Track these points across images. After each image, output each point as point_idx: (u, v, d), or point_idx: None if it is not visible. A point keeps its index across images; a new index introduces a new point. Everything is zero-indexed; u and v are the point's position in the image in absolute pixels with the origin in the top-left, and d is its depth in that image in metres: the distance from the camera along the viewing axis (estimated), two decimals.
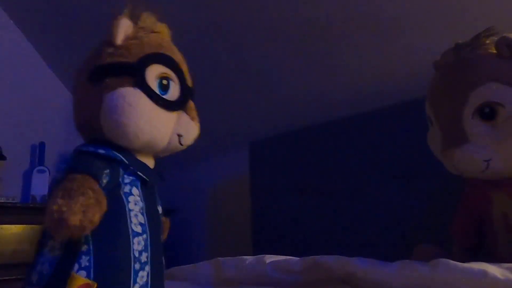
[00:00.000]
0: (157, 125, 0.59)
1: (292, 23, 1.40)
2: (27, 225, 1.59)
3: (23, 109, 1.93)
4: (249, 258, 0.85)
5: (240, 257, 0.87)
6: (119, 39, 0.60)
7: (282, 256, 0.85)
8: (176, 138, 0.62)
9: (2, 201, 1.65)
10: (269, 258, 0.83)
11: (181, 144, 0.63)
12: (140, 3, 0.64)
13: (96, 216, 0.50)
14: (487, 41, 0.80)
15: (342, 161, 1.38)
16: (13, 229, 1.56)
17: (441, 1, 1.16)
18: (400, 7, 1.21)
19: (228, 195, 1.88)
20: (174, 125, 0.61)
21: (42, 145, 1.91)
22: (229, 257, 0.88)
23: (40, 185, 1.85)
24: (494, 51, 0.78)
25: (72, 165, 0.55)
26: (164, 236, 0.66)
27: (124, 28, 0.61)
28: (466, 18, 1.14)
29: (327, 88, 1.49)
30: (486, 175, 0.78)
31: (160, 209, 0.65)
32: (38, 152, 1.91)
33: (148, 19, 0.64)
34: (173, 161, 2.01)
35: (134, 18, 0.63)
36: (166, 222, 0.68)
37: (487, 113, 0.75)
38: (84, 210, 0.49)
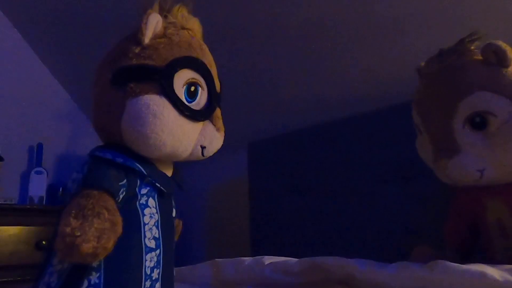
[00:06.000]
0: (180, 137, 0.56)
1: (291, 24, 1.39)
2: (24, 227, 1.58)
3: (21, 110, 1.92)
4: (247, 259, 0.85)
5: (239, 258, 0.86)
6: (148, 37, 0.56)
7: (280, 257, 0.84)
8: (199, 149, 0.58)
9: (0, 202, 1.65)
10: (268, 259, 0.83)
11: (203, 155, 0.59)
12: None
13: (110, 242, 0.47)
14: (472, 47, 0.79)
15: (341, 162, 1.38)
16: (11, 231, 1.55)
17: (441, 2, 1.16)
18: (400, 9, 1.21)
19: (226, 196, 1.88)
20: (198, 136, 0.58)
21: (39, 147, 1.90)
22: (228, 259, 0.87)
23: (38, 186, 1.84)
24: (480, 58, 0.77)
25: (87, 177, 0.52)
26: (176, 237, 0.64)
27: (153, 24, 0.56)
28: (465, 19, 1.14)
29: (326, 89, 1.49)
30: (480, 183, 0.77)
31: (174, 212, 0.63)
32: (35, 154, 1.90)
33: (180, 13, 0.60)
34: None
35: (164, 12, 0.59)
36: (179, 224, 0.66)
37: (478, 122, 0.74)
38: (99, 236, 0.46)
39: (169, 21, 0.59)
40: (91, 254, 0.45)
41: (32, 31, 1.98)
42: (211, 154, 0.61)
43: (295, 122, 1.55)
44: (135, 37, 0.56)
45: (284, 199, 1.51)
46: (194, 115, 0.57)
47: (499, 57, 0.75)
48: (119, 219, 0.49)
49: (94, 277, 0.51)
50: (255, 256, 0.88)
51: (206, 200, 1.97)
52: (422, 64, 0.85)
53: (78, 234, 0.45)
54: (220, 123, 0.60)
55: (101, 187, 0.50)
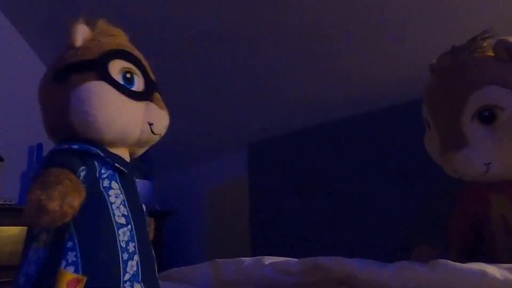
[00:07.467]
0: (126, 114, 0.60)
1: (291, 25, 1.40)
2: (24, 227, 1.58)
3: (21, 111, 1.92)
4: (247, 260, 0.85)
5: (239, 258, 0.86)
6: (78, 41, 0.63)
7: (281, 257, 0.84)
8: (148, 127, 0.62)
9: (0, 202, 1.65)
10: (268, 260, 0.83)
11: (153, 133, 0.63)
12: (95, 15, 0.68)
13: (75, 201, 0.50)
14: (484, 44, 0.80)
15: (341, 162, 1.38)
16: (11, 231, 1.55)
17: (440, 4, 1.17)
18: (401, 10, 1.21)
19: (226, 197, 1.88)
20: (143, 114, 0.62)
21: (39, 147, 1.90)
22: (228, 259, 0.87)
23: None
24: (492, 54, 0.78)
25: (47, 161, 0.55)
26: (151, 236, 0.66)
27: (81, 32, 0.63)
28: (465, 20, 1.14)
29: (326, 89, 1.49)
30: (486, 178, 0.78)
31: (144, 207, 0.65)
32: (35, 154, 1.90)
33: (104, 26, 0.66)
34: (171, 163, 2.01)
35: (90, 25, 0.65)
36: (151, 222, 0.68)
37: (487, 116, 0.75)
38: (63, 197, 0.48)
39: (95, 31, 0.65)
40: (59, 211, 0.48)
41: (32, 31, 1.98)
42: (161, 132, 0.64)
43: (295, 122, 1.55)
44: (69, 44, 0.63)
45: (284, 199, 1.51)
46: (134, 94, 0.61)
47: (510, 53, 0.75)
48: (82, 186, 0.52)
49: (71, 257, 0.53)
50: (255, 256, 0.88)
51: (206, 200, 1.97)
52: (434, 61, 0.86)
53: (43, 197, 0.48)
54: (161, 103, 0.64)
55: (61, 165, 0.53)
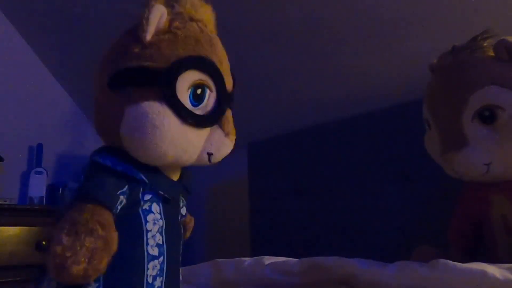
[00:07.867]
0: (184, 146, 0.51)
1: (292, 24, 1.39)
2: (24, 227, 1.58)
3: (21, 110, 1.92)
4: (247, 260, 0.85)
5: (239, 258, 0.86)
6: (149, 34, 0.51)
7: (280, 257, 0.84)
8: (205, 156, 0.54)
9: (0, 202, 1.65)
10: (268, 260, 0.83)
11: (210, 162, 0.55)
12: None
13: (102, 263, 0.45)
14: (485, 44, 0.80)
15: (341, 162, 1.38)
16: (11, 231, 1.55)
17: (440, 4, 1.16)
18: (401, 11, 1.21)
19: (226, 196, 1.88)
20: (204, 143, 0.53)
21: (39, 147, 1.90)
22: (228, 259, 0.87)
23: (38, 186, 1.84)
24: (492, 54, 0.78)
25: (83, 187, 0.49)
26: (187, 234, 0.63)
27: (156, 18, 0.51)
28: (464, 20, 1.14)
29: (326, 89, 1.49)
30: (486, 178, 0.78)
31: (184, 210, 0.61)
32: (35, 154, 1.90)
33: (189, 3, 0.55)
34: None
35: (171, 4, 0.53)
36: (190, 221, 0.64)
37: (487, 116, 0.75)
38: (90, 257, 0.44)
39: (176, 11, 0.53)
40: (82, 276, 0.44)
41: (32, 31, 1.98)
42: (219, 160, 0.56)
43: (295, 122, 1.55)
44: (136, 33, 0.51)
45: (284, 199, 1.51)
46: (199, 122, 0.52)
47: (510, 53, 0.75)
48: (113, 235, 0.47)
49: (93, 287, 0.50)
50: (255, 256, 0.88)
51: (206, 200, 1.97)
52: (435, 61, 0.87)
53: (69, 255, 0.44)
54: (229, 126, 0.56)
55: (96, 200, 0.48)
